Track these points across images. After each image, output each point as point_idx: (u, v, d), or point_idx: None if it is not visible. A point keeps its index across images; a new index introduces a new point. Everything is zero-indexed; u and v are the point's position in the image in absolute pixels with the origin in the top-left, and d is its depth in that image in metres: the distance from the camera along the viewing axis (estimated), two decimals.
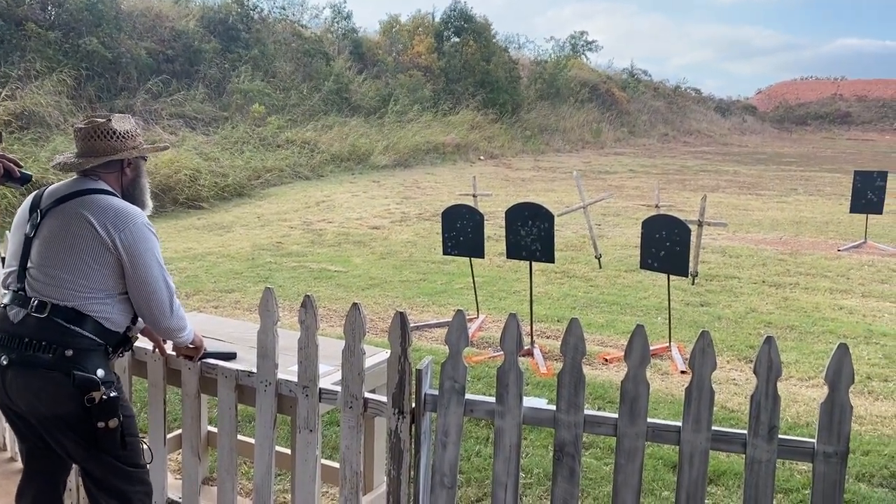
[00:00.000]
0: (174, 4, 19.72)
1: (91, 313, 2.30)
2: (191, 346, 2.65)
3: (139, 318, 2.47)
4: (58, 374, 2.24)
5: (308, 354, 2.41)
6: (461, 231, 6.04)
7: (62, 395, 2.25)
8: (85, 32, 16.02)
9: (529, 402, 2.23)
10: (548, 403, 2.25)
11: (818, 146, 33.04)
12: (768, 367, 1.99)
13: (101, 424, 2.27)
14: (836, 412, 1.97)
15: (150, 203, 2.55)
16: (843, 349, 1.96)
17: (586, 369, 5.18)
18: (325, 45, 22.97)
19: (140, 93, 16.33)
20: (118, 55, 16.40)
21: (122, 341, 2.44)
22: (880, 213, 9.69)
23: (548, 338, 5.87)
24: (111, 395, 2.29)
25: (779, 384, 2.02)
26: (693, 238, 6.21)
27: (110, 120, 2.44)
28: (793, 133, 41.83)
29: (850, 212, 9.90)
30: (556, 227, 5.72)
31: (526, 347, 5.55)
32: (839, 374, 1.96)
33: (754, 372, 2.01)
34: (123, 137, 2.44)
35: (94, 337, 2.31)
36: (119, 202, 2.38)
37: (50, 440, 2.36)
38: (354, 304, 2.32)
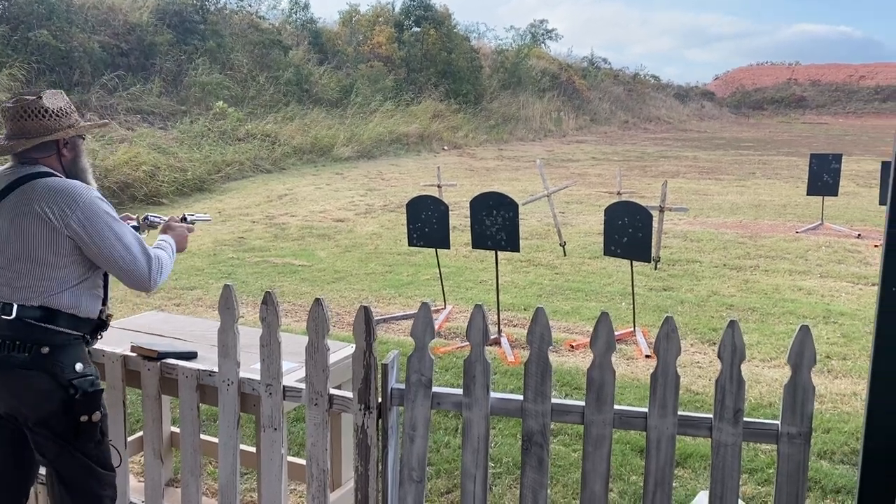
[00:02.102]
0: None
1: (61, 308, 2.26)
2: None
3: (108, 293, 2.44)
4: (35, 372, 2.21)
5: (270, 352, 2.37)
6: (426, 222, 6.01)
7: (42, 392, 2.22)
8: (35, 25, 15.57)
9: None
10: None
11: (775, 130, 33.64)
12: (732, 351, 2.00)
13: (83, 418, 2.26)
14: (798, 393, 1.99)
15: (93, 184, 2.43)
16: (804, 331, 1.98)
17: (553, 357, 5.22)
18: (283, 37, 22.67)
19: (95, 87, 15.94)
20: (71, 49, 15.98)
21: (98, 325, 2.40)
22: (836, 195, 9.89)
23: (514, 326, 5.89)
24: (96, 388, 2.29)
25: (742, 367, 2.04)
26: (655, 224, 6.26)
27: (41, 97, 2.29)
28: (750, 118, 42.53)
29: (807, 194, 10.09)
30: (520, 216, 5.73)
31: (493, 337, 5.56)
32: (801, 355, 1.98)
33: (718, 356, 2.02)
34: (57, 116, 2.30)
35: (68, 331, 2.27)
36: (62, 183, 2.27)
37: (29, 436, 2.32)
38: (317, 300, 2.28)
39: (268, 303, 2.35)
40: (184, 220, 2.80)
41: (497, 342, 5.46)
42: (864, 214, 10.85)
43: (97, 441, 2.35)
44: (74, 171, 2.37)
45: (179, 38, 18.89)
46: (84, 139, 2.46)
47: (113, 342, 2.83)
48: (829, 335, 5.64)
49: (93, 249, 2.25)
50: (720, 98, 47.05)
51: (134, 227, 2.68)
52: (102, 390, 2.36)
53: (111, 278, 2.45)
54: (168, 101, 17.09)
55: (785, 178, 15.49)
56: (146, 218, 2.81)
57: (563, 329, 5.85)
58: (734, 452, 2.03)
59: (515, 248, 5.61)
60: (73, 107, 2.39)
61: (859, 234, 9.37)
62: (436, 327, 5.95)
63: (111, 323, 2.51)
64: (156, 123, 16.03)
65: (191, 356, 2.72)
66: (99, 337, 2.46)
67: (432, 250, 6.47)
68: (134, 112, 16.05)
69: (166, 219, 2.77)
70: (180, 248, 2.64)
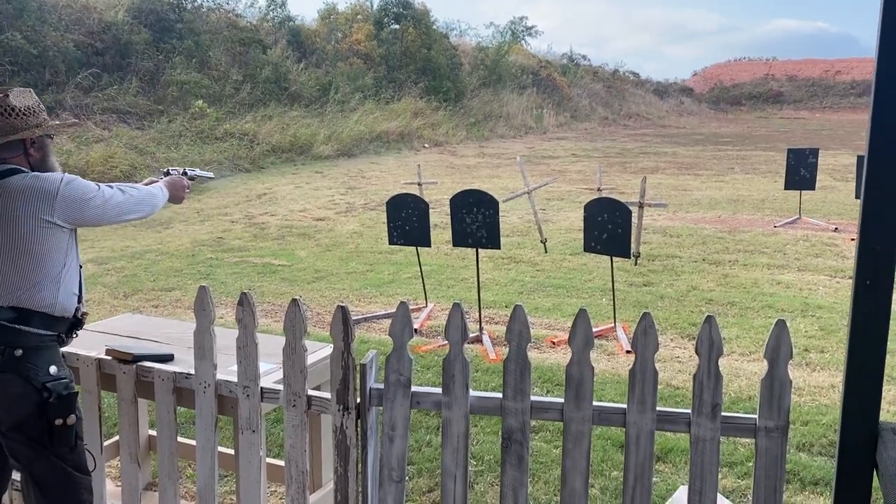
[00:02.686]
0: None
1: (36, 308, 2.24)
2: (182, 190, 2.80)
3: (83, 291, 2.45)
4: (8, 375, 2.19)
5: (247, 354, 2.34)
6: (407, 220, 5.99)
7: (15, 396, 2.20)
8: (6, 26, 15.33)
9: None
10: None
11: (753, 126, 33.93)
12: (709, 346, 2.01)
13: (58, 421, 2.25)
14: (776, 387, 2.00)
15: None
16: (780, 325, 1.99)
17: (534, 353, 5.23)
18: (261, 34, 22.51)
19: (69, 87, 15.74)
20: (44, 49, 15.76)
21: (74, 324, 2.39)
22: (813, 188, 9.99)
23: (496, 324, 5.88)
24: (70, 391, 2.27)
25: (721, 360, 2.04)
26: (634, 219, 6.30)
27: (7, 95, 2.25)
28: (728, 113, 42.87)
29: (785, 188, 10.18)
30: (501, 213, 5.73)
31: (474, 334, 5.55)
32: (777, 350, 1.99)
33: (696, 352, 2.03)
34: (24, 114, 2.27)
35: (41, 332, 2.26)
36: (35, 178, 2.26)
37: (3, 441, 2.29)
38: (294, 301, 2.26)
39: (244, 304, 2.33)
40: (184, 174, 2.96)
41: (479, 340, 5.46)
42: (841, 208, 10.97)
43: (72, 445, 2.33)
44: (42, 171, 2.34)
45: (156, 36, 18.70)
46: (52, 139, 2.43)
47: (88, 345, 2.79)
48: (808, 328, 5.69)
49: (87, 222, 2.34)
50: (699, 94, 47.36)
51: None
52: (77, 393, 2.34)
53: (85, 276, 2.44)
54: (145, 100, 16.92)
55: (763, 173, 15.63)
56: (185, 171, 3.00)
57: (544, 326, 5.86)
58: (712, 447, 2.04)
59: (496, 246, 5.61)
60: (41, 106, 2.36)
61: (836, 228, 9.47)
62: (417, 326, 5.95)
63: (87, 326, 2.49)
64: (132, 123, 15.87)
65: (167, 359, 2.69)
66: (74, 335, 2.44)
67: (413, 249, 6.46)
68: (110, 112, 15.87)
69: (210, 174, 3.09)
70: (175, 198, 2.77)
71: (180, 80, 17.88)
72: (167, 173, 2.90)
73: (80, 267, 2.42)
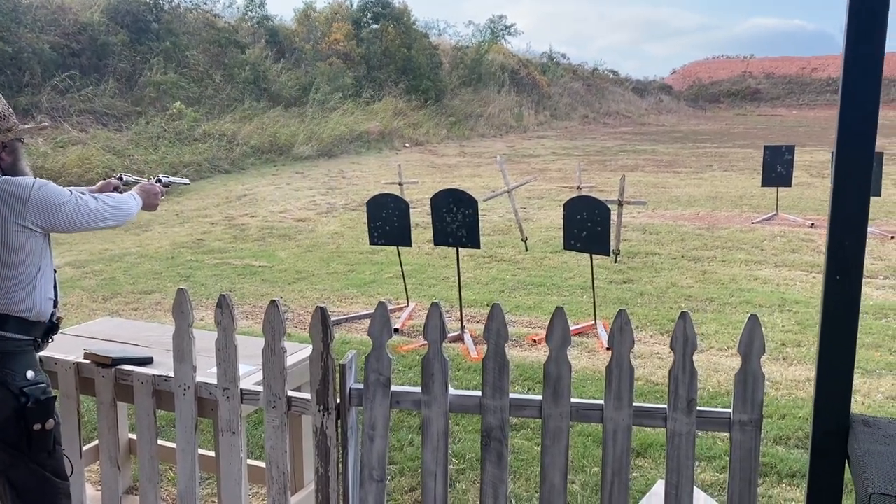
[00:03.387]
0: None
1: (12, 312, 2.23)
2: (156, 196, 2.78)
3: (58, 295, 2.42)
4: None
5: (227, 356, 2.34)
6: (387, 220, 5.99)
7: None
8: None
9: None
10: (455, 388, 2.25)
11: (731, 123, 34.25)
12: (684, 342, 2.04)
13: (36, 426, 2.24)
14: (749, 382, 2.03)
15: None
16: (753, 321, 2.02)
17: (515, 351, 5.26)
18: (239, 35, 22.40)
19: (45, 89, 15.57)
20: (19, 50, 15.58)
21: (50, 328, 2.39)
22: (789, 185, 10.11)
23: (478, 322, 5.90)
24: (48, 395, 2.27)
25: (700, 356, 2.08)
26: (614, 217, 6.35)
27: None
28: (707, 111, 43.23)
29: (762, 185, 10.29)
30: (482, 212, 5.76)
31: (456, 333, 5.57)
32: (751, 345, 2.02)
33: (671, 347, 2.06)
34: None
35: (18, 336, 2.25)
36: (6, 181, 2.25)
37: None
38: (272, 302, 2.27)
39: (223, 306, 2.33)
40: (158, 181, 2.91)
41: (460, 339, 5.48)
42: (817, 204, 11.11)
43: (50, 450, 2.32)
44: (13, 175, 2.33)
45: (133, 37, 18.55)
46: (23, 142, 2.42)
47: (67, 349, 2.78)
48: (785, 323, 5.77)
49: (59, 228, 2.32)
50: (678, 92, 47.71)
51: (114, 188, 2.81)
52: (55, 398, 2.33)
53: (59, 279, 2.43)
54: (122, 101, 16.78)
55: (741, 170, 15.79)
56: (120, 177, 2.89)
57: (525, 324, 5.89)
58: (688, 441, 2.07)
59: (476, 245, 5.62)
60: (10, 109, 2.35)
61: (813, 224, 9.59)
62: (399, 325, 5.96)
63: (65, 330, 2.48)
64: (110, 125, 15.73)
65: (146, 361, 2.68)
66: (50, 340, 2.43)
67: (394, 248, 6.46)
68: (87, 113, 15.72)
69: (143, 180, 2.89)
70: (148, 205, 2.74)
71: (158, 81, 17.75)
72: (119, 178, 2.86)
73: (55, 271, 2.41)
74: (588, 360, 5.08)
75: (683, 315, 2.04)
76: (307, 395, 2.31)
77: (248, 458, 3.22)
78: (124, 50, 18.06)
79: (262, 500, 3.33)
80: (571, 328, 5.99)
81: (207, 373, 2.52)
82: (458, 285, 5.79)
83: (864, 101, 1.79)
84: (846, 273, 1.88)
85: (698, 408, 2.08)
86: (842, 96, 1.83)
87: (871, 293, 6.52)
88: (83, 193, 2.40)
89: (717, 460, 3.60)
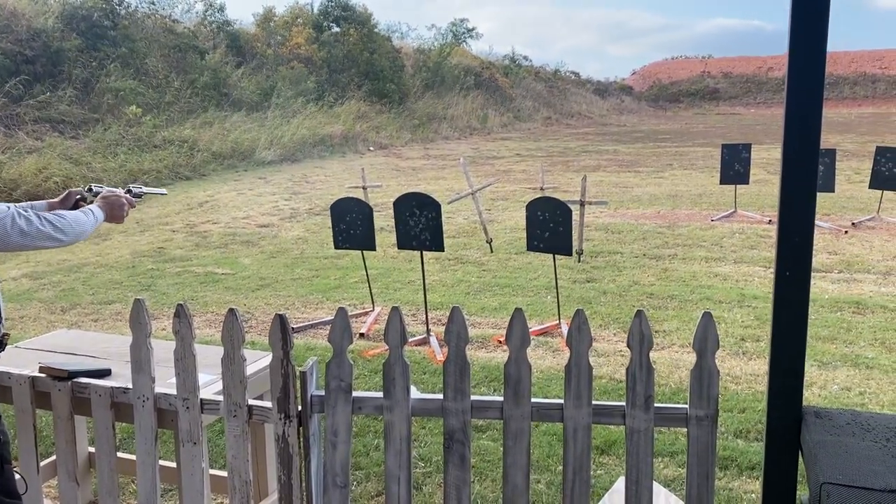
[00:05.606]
0: (30, 2, 18.44)
1: None
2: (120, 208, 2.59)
3: (3, 312, 2.34)
4: None
5: (185, 365, 2.32)
6: (351, 224, 5.98)
7: None
8: None
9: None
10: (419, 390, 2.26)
11: (690, 122, 34.79)
12: (640, 339, 2.07)
13: None
14: (704, 377, 2.07)
15: None
16: (707, 318, 2.06)
17: (481, 353, 5.28)
18: (198, 40, 22.14)
19: None
20: None
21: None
22: (747, 182, 10.31)
23: (444, 325, 5.90)
24: None
25: (662, 352, 2.11)
26: (576, 217, 6.41)
27: None
28: (667, 111, 43.87)
29: (720, 183, 10.48)
30: (447, 215, 5.78)
31: (421, 336, 5.58)
32: (705, 341, 2.06)
33: (628, 345, 2.09)
34: None
35: None
36: None
37: None
38: (231, 310, 2.25)
39: (180, 315, 2.31)
40: (128, 192, 2.74)
41: (426, 342, 5.49)
42: (774, 201, 11.28)
43: None
44: None
45: (89, 43, 18.21)
46: None
47: (22, 363, 2.72)
48: (744, 318, 5.88)
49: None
50: (638, 92, 48.36)
51: (79, 198, 2.66)
52: (0, 414, 2.27)
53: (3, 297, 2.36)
54: (79, 108, 16.47)
55: (700, 169, 16.05)
56: (90, 188, 2.72)
57: (491, 325, 5.92)
58: (647, 438, 2.10)
59: (440, 248, 5.64)
60: None
61: (770, 220, 9.78)
62: (364, 330, 5.94)
63: (21, 343, 2.42)
64: (67, 132, 15.43)
65: (104, 374, 2.64)
66: None
67: (359, 253, 6.45)
68: (42, 121, 15.40)
69: (119, 190, 2.71)
70: (113, 218, 2.60)
71: (116, 87, 17.47)
72: (89, 190, 2.71)
73: None
74: (553, 359, 5.12)
75: (639, 313, 2.08)
76: (268, 404, 2.30)
77: (212, 467, 3.19)
78: (80, 56, 17.72)
79: None
80: (536, 328, 6.03)
81: (167, 383, 2.49)
82: (424, 288, 5.79)
83: (808, 98, 1.84)
84: (795, 268, 1.92)
85: (656, 404, 2.11)
86: (787, 97, 1.88)
87: (826, 287, 6.68)
88: (27, 209, 2.30)
89: (679, 456, 3.66)
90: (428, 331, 5.61)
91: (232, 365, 2.27)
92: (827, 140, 18.58)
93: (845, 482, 1.68)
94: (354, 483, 3.46)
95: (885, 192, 9.60)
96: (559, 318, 5.83)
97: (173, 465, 2.90)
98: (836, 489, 1.66)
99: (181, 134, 16.90)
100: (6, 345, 2.37)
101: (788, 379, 1.97)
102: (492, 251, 8.54)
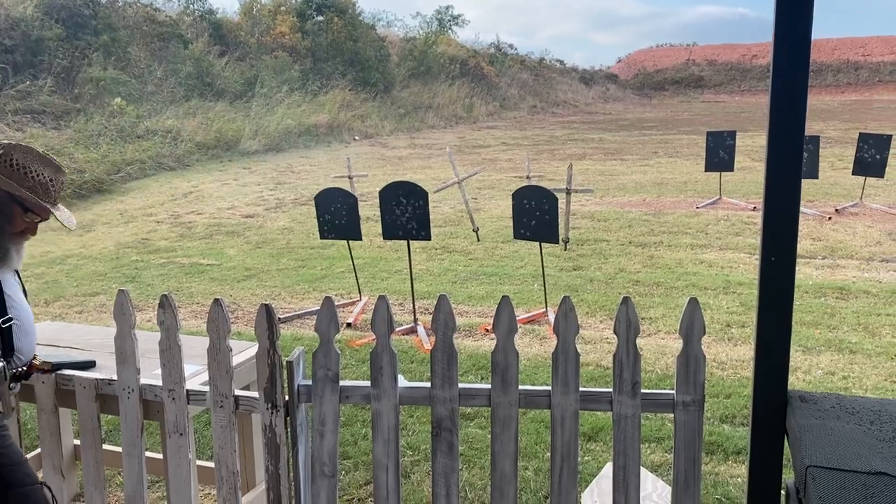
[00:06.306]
0: None
1: None
2: None
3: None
4: None
5: (171, 356, 2.30)
6: (336, 214, 5.95)
7: None
8: None
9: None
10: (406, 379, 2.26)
11: (676, 110, 34.87)
12: (627, 326, 2.07)
13: None
14: (691, 363, 2.08)
15: None
16: (693, 303, 2.07)
17: (469, 341, 5.29)
18: (181, 29, 21.91)
19: None
20: None
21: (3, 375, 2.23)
22: (731, 169, 10.35)
23: (431, 314, 5.91)
24: None
25: (648, 339, 2.12)
26: (562, 205, 6.42)
27: None
28: (652, 99, 43.94)
29: (706, 170, 10.52)
30: (434, 204, 5.76)
31: (409, 325, 5.57)
32: (691, 327, 2.07)
33: (614, 332, 2.09)
34: None
35: None
36: None
37: None
38: (216, 301, 2.23)
39: (165, 306, 2.29)
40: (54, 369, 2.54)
41: (413, 331, 5.48)
42: (759, 188, 11.39)
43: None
44: None
45: (70, 32, 17.97)
46: None
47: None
48: (729, 304, 5.92)
49: None
50: (624, 80, 48.36)
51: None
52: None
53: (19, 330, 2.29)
54: (61, 99, 16.27)
55: (686, 156, 16.10)
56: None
57: (478, 314, 5.92)
58: (634, 423, 2.11)
59: (427, 237, 5.62)
60: None
61: (755, 207, 9.84)
62: (351, 320, 5.93)
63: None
64: (48, 123, 15.24)
65: (88, 365, 2.62)
66: (10, 389, 2.27)
67: (346, 243, 6.43)
68: (23, 112, 15.20)
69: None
70: None
71: (97, 77, 17.25)
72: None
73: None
74: (540, 347, 5.13)
75: (626, 300, 2.08)
76: (255, 394, 2.28)
77: (199, 459, 3.17)
78: (61, 45, 17.48)
79: (214, 501, 3.28)
80: (523, 316, 6.04)
81: (152, 374, 2.47)
82: (411, 277, 5.79)
83: (794, 85, 1.84)
84: (781, 253, 1.93)
85: (643, 390, 2.12)
86: (772, 82, 1.87)
87: (810, 273, 6.74)
88: None
89: (666, 441, 3.68)
90: (415, 320, 5.61)
91: (218, 355, 2.26)
92: (810, 127, 18.68)
93: (830, 465, 1.69)
94: (342, 472, 3.46)
95: (867, 178, 9.67)
96: (546, 306, 5.84)
97: (160, 456, 2.89)
98: (821, 472, 1.68)
99: (164, 124, 16.74)
100: (30, 376, 2.36)
101: (774, 363, 1.98)
102: (478, 240, 8.53)
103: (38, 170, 2.25)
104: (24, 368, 2.36)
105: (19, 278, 2.49)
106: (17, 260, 2.29)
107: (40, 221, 2.28)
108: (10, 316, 2.26)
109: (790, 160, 1.88)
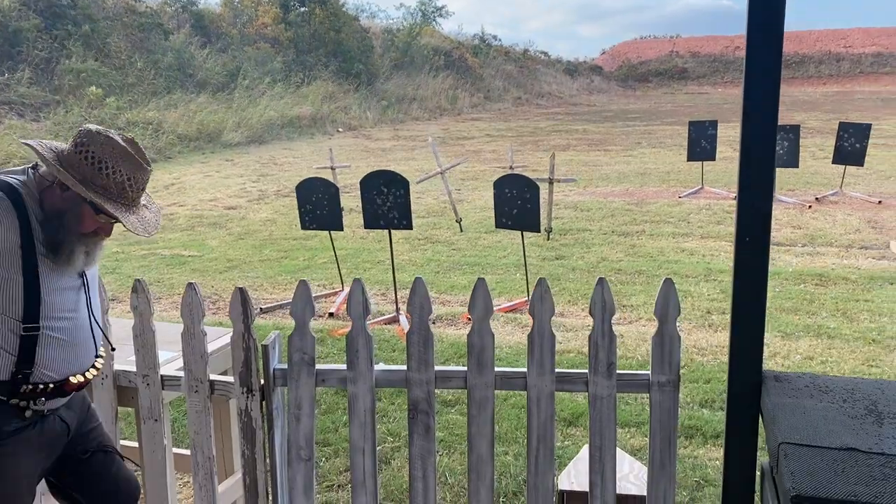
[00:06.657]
0: None
1: None
2: None
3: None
4: None
5: (144, 342, 2.28)
6: (317, 205, 5.92)
7: None
8: None
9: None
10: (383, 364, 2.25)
11: (659, 101, 34.99)
12: (602, 307, 2.08)
13: None
14: (666, 343, 2.09)
15: None
16: (668, 284, 2.07)
17: (451, 330, 5.29)
18: (162, 19, 21.69)
19: None
20: None
21: (13, 390, 1.88)
22: (713, 159, 10.40)
23: None
24: None
25: (630, 326, 2.12)
26: (545, 195, 6.42)
27: None
28: (636, 90, 44.05)
29: (688, 160, 10.57)
30: (416, 195, 5.75)
31: (391, 315, 5.57)
32: (666, 307, 2.07)
33: (590, 313, 2.10)
34: None
35: None
36: None
37: None
38: (189, 285, 2.21)
39: (138, 291, 2.26)
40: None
41: (395, 320, 5.47)
42: None
43: None
44: None
45: (48, 23, 17.75)
46: None
47: None
48: (710, 291, 5.95)
49: None
50: (608, 72, 48.43)
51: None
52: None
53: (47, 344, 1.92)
54: (39, 90, 16.08)
55: (668, 147, 16.16)
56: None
57: (460, 303, 5.92)
58: (609, 404, 2.11)
59: (409, 226, 5.61)
60: None
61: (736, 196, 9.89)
62: (334, 310, 5.91)
63: None
64: (26, 115, 15.07)
65: None
66: (32, 404, 1.92)
67: (328, 233, 6.39)
68: (1, 104, 15.02)
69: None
70: None
71: (77, 68, 17.07)
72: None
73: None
74: (521, 335, 5.14)
75: (601, 281, 2.08)
76: (231, 379, 2.27)
77: (178, 447, 3.15)
78: (39, 36, 17.27)
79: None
80: (505, 305, 6.04)
81: (127, 360, 2.45)
82: (392, 266, 5.77)
83: (766, 74, 1.84)
84: (755, 234, 1.94)
85: (619, 371, 2.12)
86: (746, 71, 1.87)
87: (790, 260, 6.79)
88: None
89: (645, 426, 3.69)
90: (397, 309, 5.60)
91: (192, 340, 2.24)
92: (792, 118, 18.81)
93: (803, 441, 1.70)
94: (323, 459, 3.45)
95: (847, 167, 9.75)
96: (528, 295, 5.85)
97: (135, 443, 2.86)
98: (793, 448, 1.69)
99: (145, 116, 16.59)
100: (66, 394, 2.02)
101: (749, 343, 1.99)
102: (461, 230, 8.53)
103: (116, 166, 1.96)
104: (52, 385, 1.94)
105: (99, 283, 2.21)
106: (85, 261, 1.97)
107: (116, 222, 1.97)
108: (37, 324, 1.89)
109: (763, 145, 1.88)
